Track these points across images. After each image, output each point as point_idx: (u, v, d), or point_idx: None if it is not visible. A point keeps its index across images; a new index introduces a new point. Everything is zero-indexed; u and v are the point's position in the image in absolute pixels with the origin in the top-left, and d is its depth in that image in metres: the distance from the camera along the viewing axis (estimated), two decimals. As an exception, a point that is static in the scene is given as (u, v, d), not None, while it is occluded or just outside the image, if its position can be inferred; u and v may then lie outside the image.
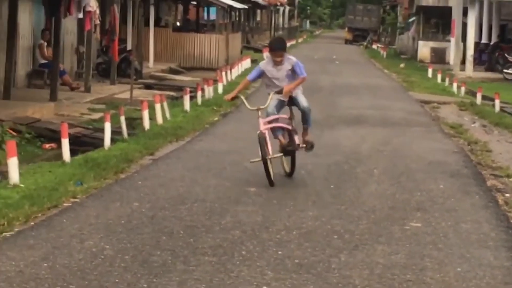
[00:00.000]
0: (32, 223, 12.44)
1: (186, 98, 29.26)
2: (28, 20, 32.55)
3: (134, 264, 10.31)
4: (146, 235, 11.89)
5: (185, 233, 12.06)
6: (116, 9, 38.09)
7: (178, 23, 55.87)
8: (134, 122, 23.14)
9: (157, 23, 49.41)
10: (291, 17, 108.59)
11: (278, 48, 16.17)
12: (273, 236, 12.00)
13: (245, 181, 16.20)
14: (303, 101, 16.24)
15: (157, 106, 24.79)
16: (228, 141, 22.42)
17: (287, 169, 16.87)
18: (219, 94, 34.26)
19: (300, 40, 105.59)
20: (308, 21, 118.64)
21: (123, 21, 41.27)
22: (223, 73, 39.65)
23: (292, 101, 16.44)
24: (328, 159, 19.52)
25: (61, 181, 15.14)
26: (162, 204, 14.09)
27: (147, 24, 45.81)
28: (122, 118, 22.07)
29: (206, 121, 26.35)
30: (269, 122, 16.13)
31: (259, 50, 67.83)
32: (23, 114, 23.55)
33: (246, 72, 47.53)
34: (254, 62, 54.67)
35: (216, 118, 27.60)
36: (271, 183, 15.51)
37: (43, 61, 32.26)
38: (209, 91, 33.55)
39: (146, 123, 23.26)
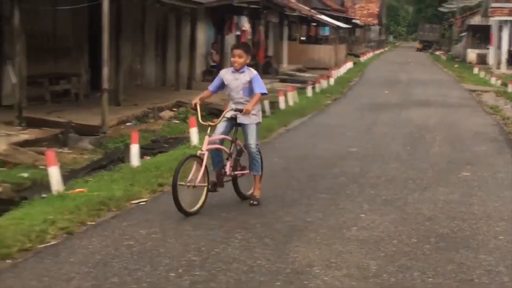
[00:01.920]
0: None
1: (309, 88, 29.27)
2: (203, 37, 32.81)
3: (274, 199, 10.38)
4: (282, 180, 11.96)
5: (307, 179, 12.09)
6: (262, 28, 38.30)
7: (303, 38, 55.65)
8: (273, 104, 23.12)
9: (289, 38, 49.50)
10: (379, 33, 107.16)
11: (236, 47, 10.10)
12: (368, 181, 11.95)
13: (348, 145, 16.08)
14: (251, 136, 9.79)
15: (289, 94, 24.86)
16: (337, 117, 22.32)
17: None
18: (331, 85, 34.21)
19: (386, 49, 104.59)
20: (391, 36, 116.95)
21: (266, 36, 41.37)
22: (333, 71, 39.48)
23: (239, 125, 9.92)
24: (405, 129, 19.23)
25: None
26: (292, 159, 14.11)
27: (282, 38, 45.99)
28: (266, 102, 22.24)
29: (322, 104, 26.26)
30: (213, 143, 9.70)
31: (357, 56, 67.39)
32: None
33: (349, 70, 47.32)
34: (355, 64, 54.33)
35: (329, 102, 27.48)
36: (180, 210, 8.93)
37: (213, 64, 32.47)
38: (324, 83, 33.40)
39: (282, 105, 23.31)
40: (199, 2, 23.76)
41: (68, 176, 11.81)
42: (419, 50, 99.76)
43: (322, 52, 50.97)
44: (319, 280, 6.87)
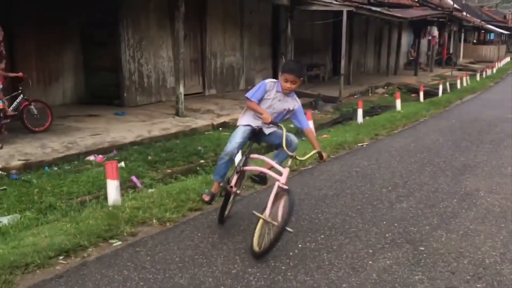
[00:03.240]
0: (406, 127, 12.26)
1: (477, 75, 27.56)
2: (405, 40, 31.58)
3: (452, 146, 9.93)
4: (458, 134, 11.33)
5: (476, 134, 11.35)
6: (446, 34, 36.22)
7: (475, 40, 52.08)
8: (452, 85, 21.96)
9: (464, 40, 46.71)
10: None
11: (292, 70, 4.89)
12: None
13: (506, 112, 14.91)
14: (294, 141, 5.09)
15: (464, 78, 23.52)
16: (498, 94, 20.78)
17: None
18: (494, 73, 31.71)
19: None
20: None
21: (449, 39, 39.20)
22: (496, 64, 36.78)
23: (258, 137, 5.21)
24: None
25: (419, 110, 14.73)
26: (465, 121, 13.27)
27: (460, 41, 43.44)
28: (447, 83, 21.22)
29: (487, 85, 24.51)
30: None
31: (512, 53, 61.74)
32: (402, 81, 23.10)
33: (507, 63, 43.49)
34: (511, 59, 49.90)
35: (492, 84, 25.55)
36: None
37: (411, 58, 31.35)
38: (488, 72, 31.13)
39: (458, 85, 22.12)
40: (404, 17, 22.92)
41: (318, 127, 12.05)
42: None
43: (488, 51, 47.71)
44: (484, 200, 6.55)
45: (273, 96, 5.05)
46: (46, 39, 11.91)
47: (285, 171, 4.74)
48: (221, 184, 5.27)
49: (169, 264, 4.48)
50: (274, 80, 5.16)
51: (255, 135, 5.17)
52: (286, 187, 4.60)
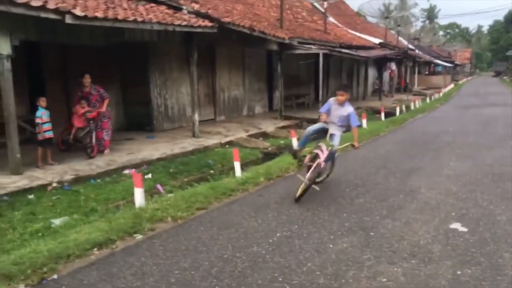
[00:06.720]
0: (369, 140, 11.98)
1: (427, 99, 27.24)
2: (371, 73, 31.31)
3: (402, 153, 9.78)
4: (407, 144, 11.15)
5: (422, 143, 11.17)
6: (403, 68, 36.12)
7: (426, 72, 51.83)
8: (408, 107, 21.74)
9: (418, 72, 46.39)
10: (470, 68, 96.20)
11: (340, 89, 6.86)
12: (456, 145, 10.76)
13: (448, 126, 14.72)
14: (337, 140, 6.61)
15: (417, 101, 23.34)
16: (441, 112, 20.54)
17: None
18: (441, 97, 31.45)
19: (474, 76, 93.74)
20: (477, 70, 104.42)
21: (406, 71, 39.03)
22: (442, 89, 36.45)
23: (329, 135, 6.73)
24: (480, 118, 17.13)
25: (380, 126, 14.53)
26: (415, 133, 13.03)
27: (414, 72, 43.20)
28: (403, 105, 21.03)
29: (435, 106, 24.15)
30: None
31: (457, 80, 61.02)
32: (369, 105, 22.73)
33: (452, 89, 43.22)
34: (455, 85, 49.51)
35: (438, 105, 25.19)
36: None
37: (376, 87, 31.07)
38: (437, 95, 30.90)
39: (412, 107, 21.88)
40: (367, 57, 22.88)
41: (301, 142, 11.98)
42: (493, 76, 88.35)
43: (437, 79, 47.13)
44: (423, 195, 6.50)
45: (334, 106, 6.69)
46: (94, 82, 12.03)
47: (325, 152, 6.45)
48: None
49: (176, 251, 4.49)
50: (333, 98, 6.77)
51: (324, 131, 6.72)
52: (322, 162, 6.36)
